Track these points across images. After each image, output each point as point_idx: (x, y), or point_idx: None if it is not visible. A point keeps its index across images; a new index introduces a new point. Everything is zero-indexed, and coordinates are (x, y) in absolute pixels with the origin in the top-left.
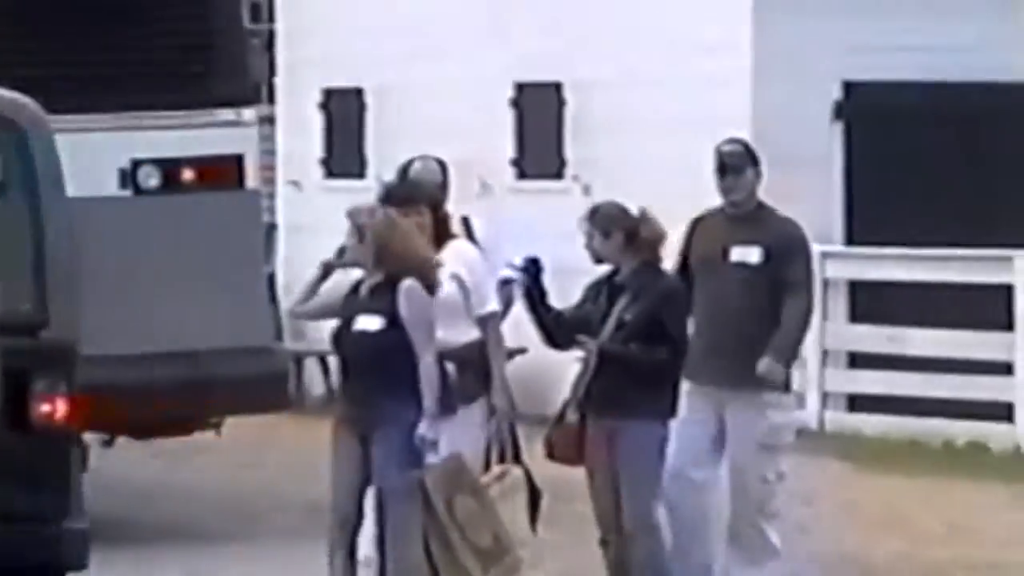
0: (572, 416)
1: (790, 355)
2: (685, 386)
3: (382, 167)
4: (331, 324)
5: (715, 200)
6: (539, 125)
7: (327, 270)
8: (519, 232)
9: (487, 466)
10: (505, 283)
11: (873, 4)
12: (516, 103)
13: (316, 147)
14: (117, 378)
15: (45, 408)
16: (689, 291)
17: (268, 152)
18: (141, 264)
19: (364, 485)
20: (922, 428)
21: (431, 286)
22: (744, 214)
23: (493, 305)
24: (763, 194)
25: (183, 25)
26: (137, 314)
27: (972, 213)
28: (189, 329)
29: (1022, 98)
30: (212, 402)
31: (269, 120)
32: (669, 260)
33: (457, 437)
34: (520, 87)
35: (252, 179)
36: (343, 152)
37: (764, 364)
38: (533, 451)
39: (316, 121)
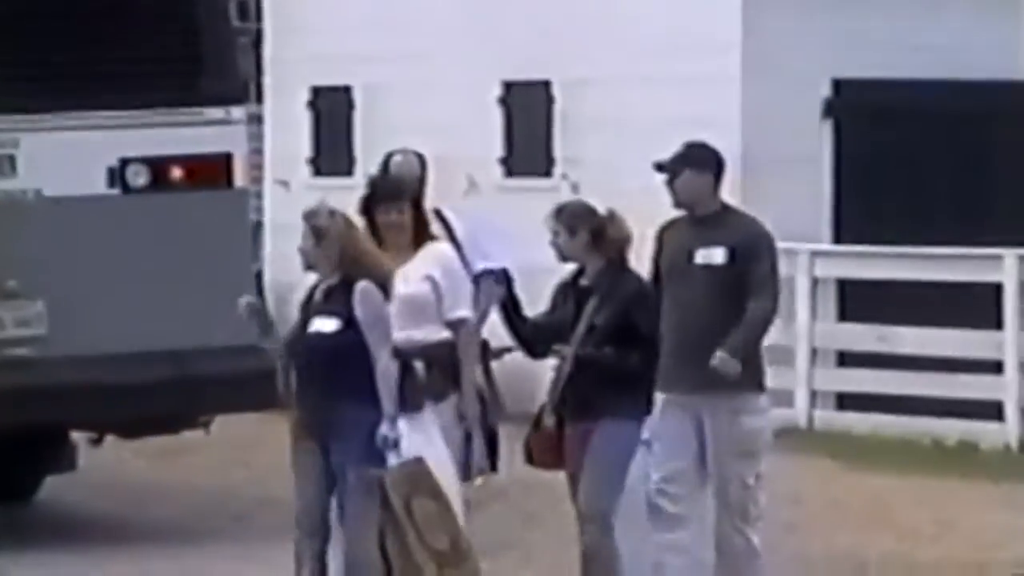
0: (548, 420)
1: (745, 350)
2: (660, 396)
3: (370, 166)
4: None
5: None
6: (527, 123)
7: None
8: (494, 227)
9: (467, 476)
10: (486, 273)
11: (862, 2)
12: (504, 101)
13: (304, 146)
14: (105, 377)
15: None
16: (659, 298)
17: (256, 151)
18: (129, 262)
19: (329, 492)
20: (912, 427)
21: (386, 288)
22: (706, 217)
23: (465, 311)
24: (752, 192)
25: (171, 23)
26: (125, 312)
27: (962, 211)
28: (177, 327)
29: (1012, 96)
30: (201, 401)
31: (257, 118)
32: (637, 261)
33: (425, 435)
34: (508, 85)
35: (240, 177)
36: (331, 151)
37: (716, 358)
38: (519, 449)
39: (304, 119)
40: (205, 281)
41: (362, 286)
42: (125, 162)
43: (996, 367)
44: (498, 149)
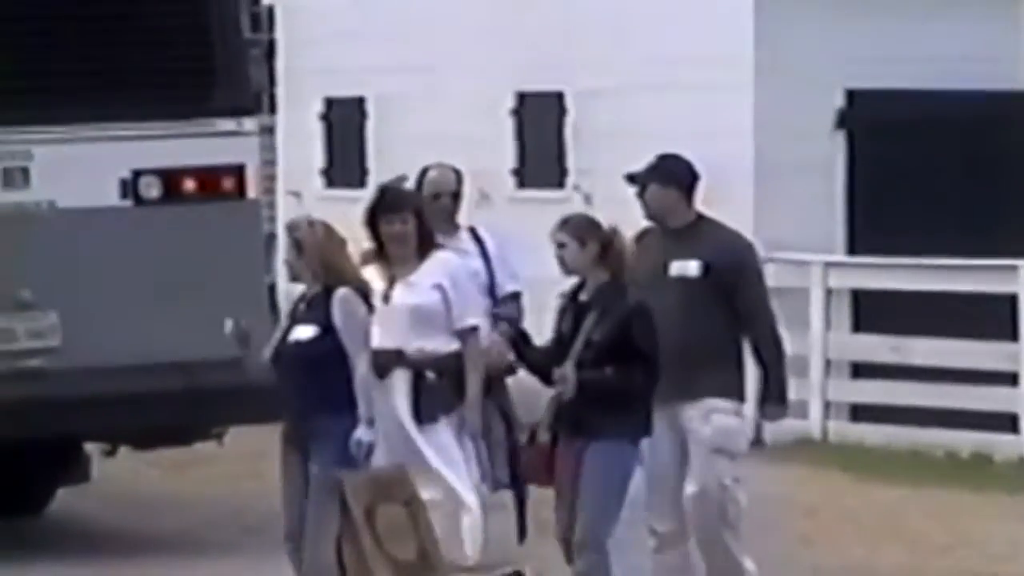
0: (544, 436)
1: (785, 389)
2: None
3: (383, 177)
4: None
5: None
6: (540, 135)
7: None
8: (521, 244)
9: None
10: (513, 297)
11: (876, 12)
12: (517, 112)
13: (317, 157)
14: (118, 388)
15: None
16: None
17: (268, 162)
18: (142, 274)
19: None
20: (925, 438)
21: (367, 296)
22: (680, 228)
23: (473, 319)
24: (765, 202)
25: (183, 35)
26: (138, 324)
27: (976, 222)
28: (190, 339)
29: None
30: (213, 412)
31: (270, 130)
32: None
33: (439, 447)
34: (521, 97)
35: (253, 189)
36: (344, 162)
37: (770, 415)
38: None
39: (317, 131)
40: (218, 293)
41: (341, 293)
42: (138, 174)
43: (1011, 379)
44: (511, 160)
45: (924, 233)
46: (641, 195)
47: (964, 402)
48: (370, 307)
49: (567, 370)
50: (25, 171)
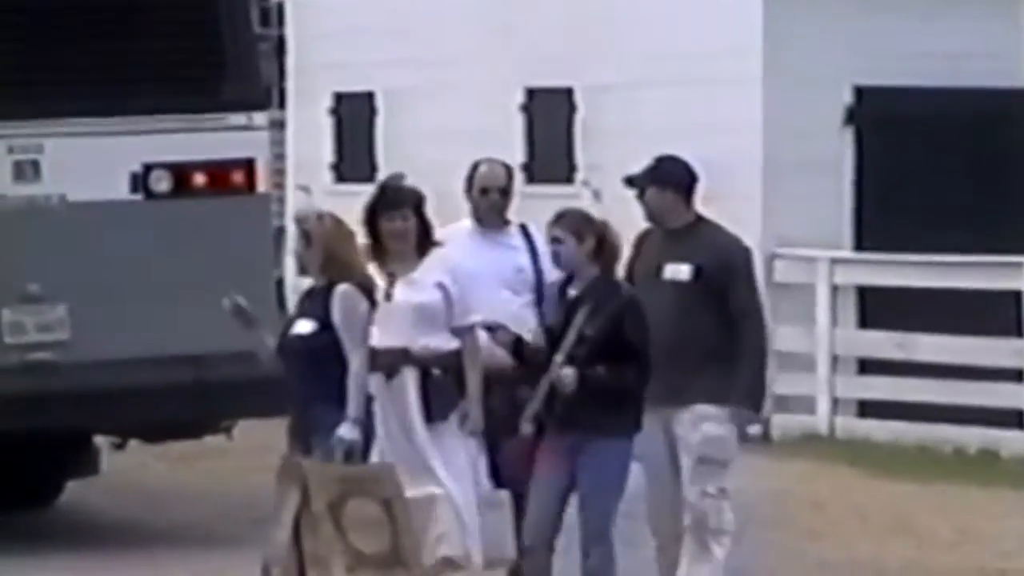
0: (527, 429)
1: (759, 391)
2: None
3: (392, 171)
4: None
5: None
6: (549, 130)
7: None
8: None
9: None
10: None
11: (884, 9)
12: (526, 108)
13: (326, 151)
14: (127, 381)
15: None
16: None
17: (278, 156)
18: (151, 267)
19: None
20: (932, 434)
21: (370, 293)
22: (679, 230)
23: (474, 316)
24: (773, 198)
25: (194, 30)
26: (147, 317)
27: (983, 219)
28: (199, 332)
29: None
30: (222, 405)
31: (280, 124)
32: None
33: (445, 445)
34: (531, 92)
35: (262, 183)
36: (353, 156)
37: (735, 416)
38: None
39: (326, 125)
40: (227, 286)
41: (341, 289)
42: (148, 168)
43: (1017, 375)
44: (519, 156)
45: (931, 229)
46: (641, 197)
47: (971, 398)
48: (373, 304)
49: (567, 371)
50: (36, 164)
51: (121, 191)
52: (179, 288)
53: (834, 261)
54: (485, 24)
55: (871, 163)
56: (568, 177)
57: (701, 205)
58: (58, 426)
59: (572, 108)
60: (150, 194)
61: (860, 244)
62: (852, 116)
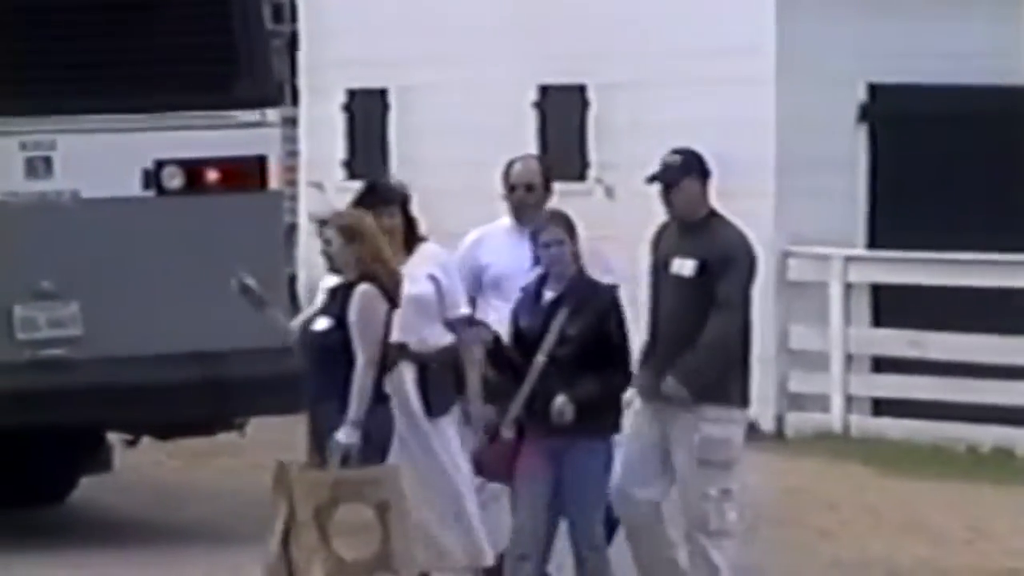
0: (507, 433)
1: (697, 376)
2: (636, 403)
3: (404, 168)
4: None
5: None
6: (562, 127)
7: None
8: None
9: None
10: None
11: (898, 6)
12: (540, 105)
13: (339, 148)
14: (139, 378)
15: None
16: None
17: (291, 153)
18: (163, 264)
19: None
20: (946, 433)
21: (392, 297)
22: (692, 224)
23: (465, 309)
24: (786, 196)
25: (206, 26)
26: (159, 314)
27: (996, 217)
28: (211, 329)
29: None
30: (235, 403)
31: (292, 121)
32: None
33: (442, 441)
34: (544, 89)
35: (275, 180)
36: (366, 153)
37: (666, 384)
38: None
39: (339, 122)
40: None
41: (362, 288)
42: (160, 164)
43: None
44: (532, 152)
45: (944, 227)
46: (668, 191)
47: (985, 396)
48: (394, 305)
49: (561, 400)
50: (48, 161)
51: (133, 188)
52: (191, 285)
53: (848, 259)
54: (498, 21)
55: (885, 161)
56: (581, 174)
57: (715, 202)
58: (70, 423)
59: (585, 105)
60: (162, 191)
61: (874, 242)
62: (866, 114)
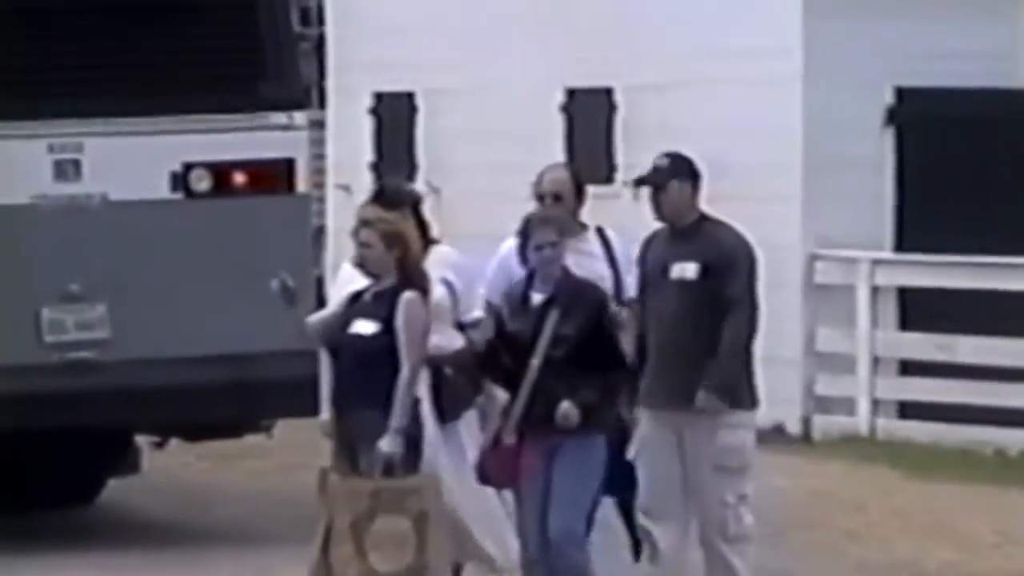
0: (509, 439)
1: (729, 382)
2: (643, 412)
3: (432, 171)
4: None
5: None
6: (589, 130)
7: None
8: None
9: None
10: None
11: (925, 9)
12: (567, 108)
13: (366, 151)
14: (167, 380)
15: None
16: (642, 310)
17: (318, 156)
18: (191, 267)
19: None
20: (974, 436)
21: (427, 296)
22: (684, 229)
23: (478, 312)
24: (813, 198)
25: (233, 29)
26: (187, 316)
27: None
28: (238, 332)
29: None
30: (262, 405)
31: (320, 124)
32: None
33: (458, 446)
34: (571, 92)
35: (302, 183)
36: (393, 156)
37: (700, 399)
38: None
39: (366, 125)
40: (267, 286)
41: (409, 296)
42: (188, 167)
43: None
44: (559, 156)
45: (972, 231)
46: (656, 195)
47: (1012, 400)
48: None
49: (565, 405)
50: (77, 164)
51: (161, 190)
52: (219, 287)
53: (875, 262)
54: (525, 24)
55: (912, 164)
56: (608, 177)
57: (742, 205)
58: (98, 425)
59: (612, 108)
60: (190, 193)
61: (901, 245)
62: (893, 117)
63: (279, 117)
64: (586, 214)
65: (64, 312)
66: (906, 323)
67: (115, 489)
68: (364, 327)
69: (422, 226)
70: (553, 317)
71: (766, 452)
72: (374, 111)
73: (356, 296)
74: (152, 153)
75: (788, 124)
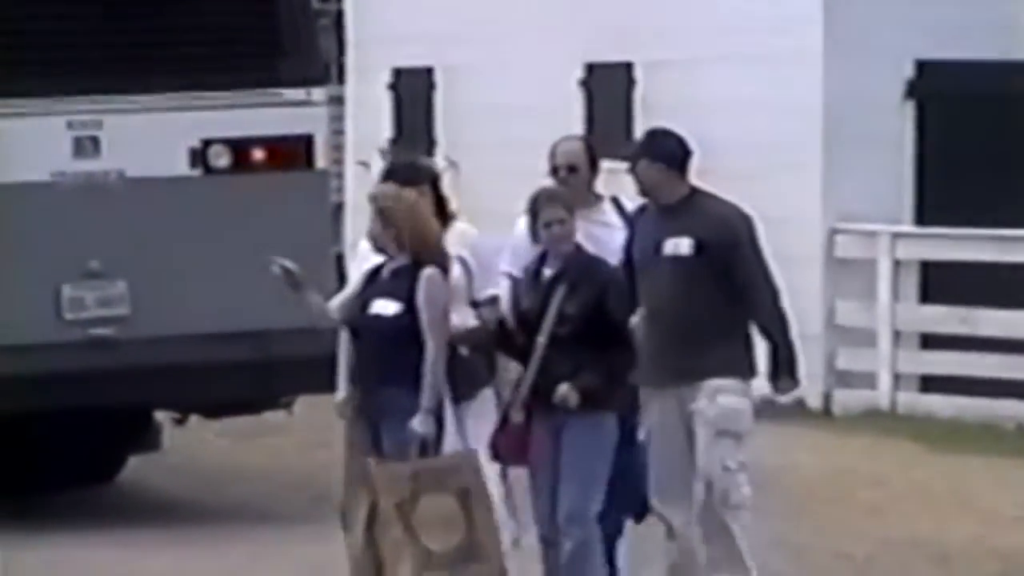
0: (517, 417)
1: (795, 362)
2: (642, 391)
3: (450, 147)
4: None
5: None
6: (609, 105)
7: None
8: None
9: None
10: None
11: None
12: (586, 83)
13: (385, 127)
14: (186, 357)
15: None
16: (632, 287)
17: (337, 132)
18: (210, 243)
19: None
20: (995, 410)
21: (446, 272)
22: (673, 205)
23: (493, 289)
24: (834, 172)
25: (252, 5)
26: (206, 293)
27: None
28: (257, 308)
29: None
30: (282, 381)
31: (338, 100)
32: None
33: (473, 423)
34: (590, 67)
35: (321, 159)
36: (412, 132)
37: (781, 389)
38: None
39: (385, 101)
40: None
41: (428, 273)
42: (207, 143)
43: None
44: (579, 131)
45: (992, 204)
46: (632, 171)
47: None
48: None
49: (564, 389)
50: (95, 140)
51: (180, 167)
52: (238, 264)
53: (896, 236)
54: None
55: (932, 137)
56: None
57: (762, 180)
58: (118, 402)
59: (632, 83)
60: (209, 170)
61: (922, 219)
62: (913, 90)
63: (298, 93)
64: (605, 189)
65: (84, 289)
66: (927, 296)
67: (135, 466)
68: (385, 307)
69: (440, 202)
70: (560, 293)
71: (787, 427)
72: (393, 87)
73: (374, 273)
74: (171, 130)
75: (808, 99)
